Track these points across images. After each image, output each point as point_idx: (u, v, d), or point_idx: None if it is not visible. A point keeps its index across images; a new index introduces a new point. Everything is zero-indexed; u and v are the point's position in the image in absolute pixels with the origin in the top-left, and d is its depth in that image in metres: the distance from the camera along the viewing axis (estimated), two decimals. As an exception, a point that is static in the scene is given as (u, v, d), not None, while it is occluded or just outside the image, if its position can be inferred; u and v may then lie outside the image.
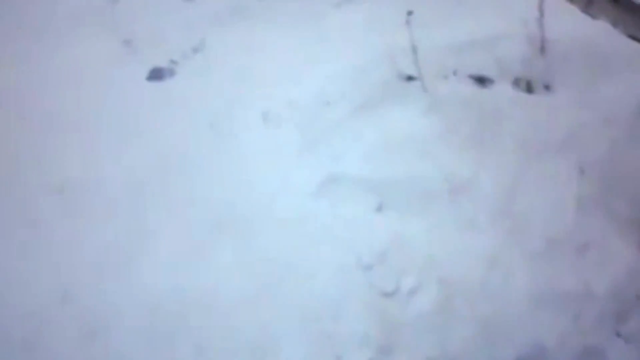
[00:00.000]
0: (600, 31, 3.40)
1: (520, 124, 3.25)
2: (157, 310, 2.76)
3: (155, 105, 3.61)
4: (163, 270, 2.82)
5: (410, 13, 3.33)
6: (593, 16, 3.34)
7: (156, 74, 3.83)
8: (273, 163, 3.23)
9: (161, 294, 2.74)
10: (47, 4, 4.59)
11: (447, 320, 2.65)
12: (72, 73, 3.84)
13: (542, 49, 3.61)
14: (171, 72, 3.86)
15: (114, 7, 4.42)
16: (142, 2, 4.45)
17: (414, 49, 3.41)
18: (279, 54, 3.86)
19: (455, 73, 3.61)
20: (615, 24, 3.13)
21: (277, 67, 3.74)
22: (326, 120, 3.42)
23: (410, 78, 3.63)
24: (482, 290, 2.76)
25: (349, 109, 3.47)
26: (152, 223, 2.98)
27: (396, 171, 3.11)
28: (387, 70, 3.65)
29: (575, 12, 3.50)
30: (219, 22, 4.15)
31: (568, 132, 3.18)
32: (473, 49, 3.61)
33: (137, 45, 4.09)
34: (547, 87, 3.61)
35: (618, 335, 2.80)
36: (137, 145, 3.37)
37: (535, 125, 3.22)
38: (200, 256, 2.82)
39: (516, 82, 3.57)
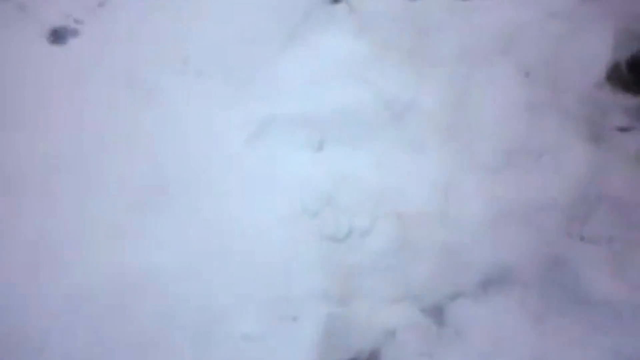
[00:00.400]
0: None
1: (458, 32, 2.89)
2: (93, 293, 2.42)
3: (60, 71, 3.06)
4: (94, 253, 2.38)
5: None
6: None
7: (58, 36, 3.25)
8: (202, 115, 2.82)
9: (94, 278, 2.30)
10: None
11: (407, 257, 2.35)
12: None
13: None
14: (74, 32, 3.28)
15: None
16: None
17: (334, -32, 2.92)
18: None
19: None
20: None
21: (193, 10, 3.20)
22: (252, 59, 2.96)
23: (336, 1, 3.15)
24: (440, 218, 2.46)
25: (275, 43, 3.04)
26: (72, 205, 2.50)
27: (334, 103, 2.72)
28: None
29: None
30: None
31: (509, 34, 2.86)
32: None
33: (32, 7, 3.47)
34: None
35: (582, 239, 2.58)
36: (46, 120, 2.86)
37: (473, 32, 2.86)
38: (134, 231, 2.40)
39: None
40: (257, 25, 3.27)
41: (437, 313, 2.35)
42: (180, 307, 2.37)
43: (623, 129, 2.89)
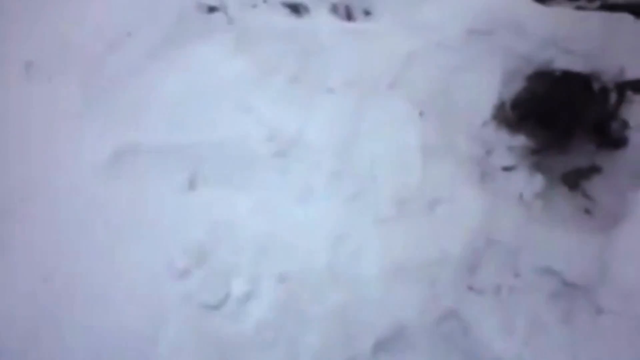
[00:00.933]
0: None
1: (346, 58, 2.42)
2: None
3: None
4: None
5: None
6: None
7: None
8: (46, 131, 2.06)
9: None
10: None
11: (294, 326, 1.86)
12: None
13: None
14: None
15: None
16: None
17: (212, -28, 2.31)
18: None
19: (265, 0, 2.58)
20: None
21: (38, 8, 2.42)
22: (113, 66, 2.28)
23: (212, 9, 2.57)
24: (330, 276, 1.99)
25: (141, 50, 2.39)
26: None
27: (209, 132, 2.13)
28: (185, 1, 2.54)
29: None
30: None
31: (399, 63, 2.45)
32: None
33: None
34: (367, 13, 2.90)
35: (470, 289, 2.33)
36: None
37: (362, 59, 2.42)
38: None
39: (334, 9, 2.73)
40: (122, 26, 2.57)
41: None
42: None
43: (507, 168, 2.62)
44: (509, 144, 2.65)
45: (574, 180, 2.65)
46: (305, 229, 2.02)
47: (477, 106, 2.53)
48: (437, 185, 2.23)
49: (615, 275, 2.09)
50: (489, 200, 2.34)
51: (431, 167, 2.26)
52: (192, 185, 2.02)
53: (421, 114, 2.35)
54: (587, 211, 2.51)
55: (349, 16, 2.84)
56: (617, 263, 2.09)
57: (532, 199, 2.45)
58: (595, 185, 2.58)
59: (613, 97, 2.62)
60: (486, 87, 2.56)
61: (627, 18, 2.30)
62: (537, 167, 2.61)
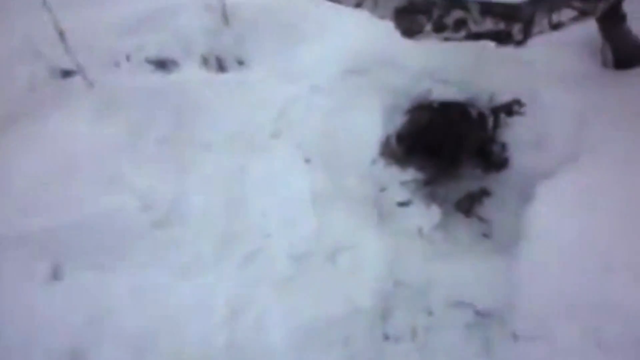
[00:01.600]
0: None
1: (223, 112, 2.24)
2: None
3: None
4: None
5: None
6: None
7: None
8: None
9: None
10: None
11: None
12: None
13: (225, 18, 2.57)
14: None
15: None
16: None
17: (62, 34, 2.28)
18: None
19: (128, 58, 2.53)
20: None
21: None
22: None
23: (68, 73, 2.27)
24: (233, 355, 1.69)
25: None
26: None
27: (72, 211, 1.79)
28: (34, 66, 2.21)
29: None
30: None
31: (279, 112, 2.29)
32: (145, 26, 2.50)
33: None
34: (240, 63, 2.76)
35: (386, 338, 2.21)
36: None
37: (240, 111, 2.25)
38: None
39: (204, 61, 2.55)
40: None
41: None
42: None
43: (403, 204, 2.53)
44: (401, 179, 2.60)
45: (468, 205, 2.62)
46: (196, 307, 1.74)
47: (364, 145, 2.43)
48: (335, 234, 2.05)
49: (524, 298, 1.99)
50: (390, 240, 2.20)
51: (326, 215, 2.07)
52: (56, 274, 1.67)
53: (307, 160, 2.16)
54: (486, 235, 2.50)
55: (221, 68, 2.69)
56: (523, 285, 2.00)
57: (431, 232, 2.36)
58: (488, 208, 2.59)
59: (490, 121, 2.62)
60: (369, 124, 2.50)
61: (489, 45, 2.29)
62: (431, 198, 2.52)
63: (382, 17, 2.24)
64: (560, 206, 2.13)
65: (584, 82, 2.72)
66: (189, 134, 2.20)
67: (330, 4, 2.34)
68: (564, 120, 2.58)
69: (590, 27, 2.72)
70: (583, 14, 2.45)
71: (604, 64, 2.90)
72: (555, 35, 2.46)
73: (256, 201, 2.08)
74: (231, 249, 1.97)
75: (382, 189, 2.46)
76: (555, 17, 2.32)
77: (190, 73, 2.46)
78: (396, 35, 2.30)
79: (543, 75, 2.66)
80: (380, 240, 2.17)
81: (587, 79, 2.76)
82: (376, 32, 2.41)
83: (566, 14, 2.43)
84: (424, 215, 2.37)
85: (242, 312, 1.86)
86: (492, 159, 2.71)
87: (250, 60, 2.66)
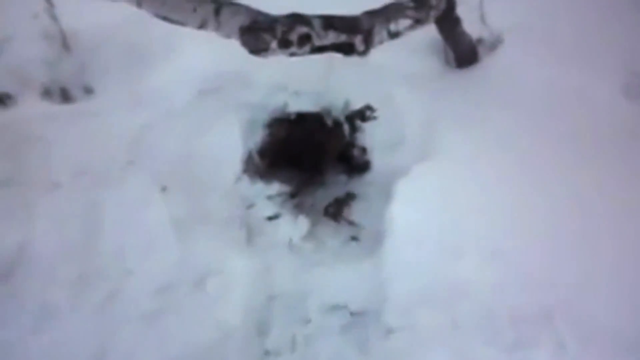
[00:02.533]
0: (130, 16, 2.52)
1: (70, 145, 2.10)
2: None
3: None
4: None
5: None
6: (111, -2, 2.26)
7: None
8: None
9: None
10: None
11: None
12: None
13: (66, 45, 2.42)
14: None
15: None
16: None
17: None
18: None
19: None
20: (138, 3, 2.13)
21: None
22: None
23: None
24: None
25: None
26: None
27: None
28: None
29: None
30: None
31: (132, 140, 2.21)
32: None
33: None
34: (88, 91, 2.66)
35: (267, 353, 2.22)
36: None
37: (89, 142, 2.18)
38: None
39: (46, 92, 2.34)
40: None
41: None
42: None
43: (271, 218, 2.54)
44: (267, 194, 2.60)
45: (336, 211, 2.66)
46: (52, 361, 1.59)
47: (226, 164, 2.40)
48: (200, 259, 1.99)
49: (392, 293, 2.07)
50: (260, 256, 2.20)
51: (189, 242, 2.01)
52: None
53: (164, 189, 2.09)
54: (354, 238, 2.56)
55: (66, 98, 2.49)
56: (390, 281, 2.09)
57: (301, 242, 2.37)
58: (355, 211, 2.65)
59: (346, 128, 2.69)
60: (229, 143, 2.47)
61: (337, 56, 2.39)
62: (299, 209, 2.53)
63: (227, 36, 2.22)
64: (416, 203, 2.25)
65: (430, 82, 2.90)
66: (32, 173, 2.05)
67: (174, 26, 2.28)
68: (416, 120, 2.72)
69: (433, 31, 2.89)
70: (418, 22, 2.60)
71: (447, 63, 3.12)
72: (402, 39, 2.55)
73: (112, 237, 1.97)
74: (88, 292, 1.86)
75: (249, 206, 2.45)
76: (393, 27, 2.44)
77: (30, 107, 2.28)
78: (245, 52, 2.28)
79: (393, 79, 2.79)
80: (250, 258, 2.15)
81: (433, 79, 2.96)
82: (228, 51, 2.39)
83: (403, 23, 2.55)
84: (292, 227, 2.38)
85: (108, 354, 1.74)
86: (354, 163, 2.79)
87: (98, 87, 2.53)
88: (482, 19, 3.22)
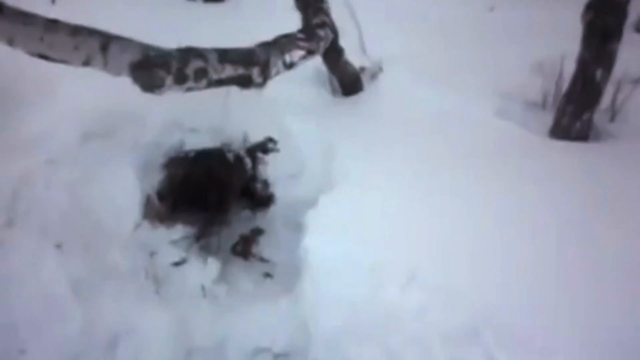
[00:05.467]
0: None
1: None
2: None
3: None
4: None
5: None
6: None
7: None
8: None
9: None
10: None
11: None
12: None
13: None
14: None
15: None
16: None
17: None
18: None
19: None
20: (10, 41, 1.82)
21: None
22: None
23: None
24: None
25: None
26: None
27: None
28: None
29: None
30: None
31: (11, 195, 1.94)
32: None
33: None
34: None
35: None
36: None
37: None
38: None
39: None
40: None
41: None
42: None
43: (178, 264, 2.31)
44: (171, 238, 2.39)
45: (244, 249, 2.52)
46: None
47: (122, 212, 2.16)
48: (108, 321, 1.70)
49: (316, 329, 1.94)
50: (172, 308, 1.96)
51: (93, 303, 1.73)
52: None
53: (58, 246, 1.77)
54: (268, 275, 2.45)
55: None
56: (313, 316, 1.97)
57: (214, 287, 2.14)
58: (264, 247, 2.54)
59: (248, 162, 2.59)
60: (124, 187, 2.23)
61: (234, 89, 2.32)
62: (206, 251, 2.31)
63: (116, 74, 1.99)
64: (329, 234, 2.19)
65: (322, 111, 2.91)
66: None
67: (53, 63, 1.97)
68: (314, 149, 2.68)
69: (316, 63, 2.92)
70: (310, 53, 2.56)
71: (334, 92, 3.18)
72: (289, 72, 2.53)
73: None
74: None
75: (152, 254, 2.18)
76: (288, 58, 2.38)
77: None
78: (137, 89, 2.03)
79: (286, 110, 2.75)
80: (161, 311, 1.91)
81: (324, 108, 2.97)
82: (115, 88, 2.15)
83: (296, 54, 2.54)
84: (202, 271, 2.18)
85: None
86: (257, 197, 2.66)
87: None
88: (363, 49, 3.33)
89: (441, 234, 2.11)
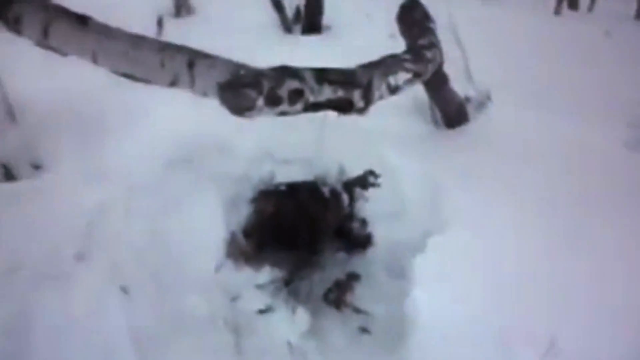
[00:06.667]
0: (86, 80, 2.02)
1: (9, 232, 1.48)
2: None
3: None
4: None
5: None
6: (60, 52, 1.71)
7: None
8: None
9: None
10: None
11: None
12: None
13: (11, 114, 2.09)
14: None
15: None
16: None
17: None
18: None
19: None
20: (94, 57, 1.50)
21: None
22: None
23: None
24: None
25: None
26: None
27: None
28: None
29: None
30: None
31: (85, 225, 1.77)
32: None
33: None
34: (36, 167, 2.06)
35: None
36: None
37: (30, 228, 1.76)
38: None
39: None
40: None
41: None
42: None
43: (263, 311, 1.99)
44: (256, 282, 2.03)
45: (338, 297, 2.08)
46: None
47: (204, 250, 1.93)
48: None
49: None
50: None
51: (157, 355, 1.24)
52: None
53: (124, 288, 1.37)
54: (364, 330, 2.00)
55: (9, 176, 2.02)
56: None
57: (302, 341, 1.88)
58: (360, 296, 2.08)
59: (345, 198, 2.19)
60: (208, 223, 1.98)
61: (330, 117, 1.98)
62: (295, 297, 2.01)
63: (204, 94, 1.67)
64: (441, 285, 1.77)
65: (423, 144, 2.48)
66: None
67: (139, 87, 1.65)
68: (416, 186, 2.25)
69: (416, 92, 2.52)
70: (417, 76, 2.21)
71: (435, 124, 2.71)
72: (386, 100, 2.11)
73: (51, 357, 1.21)
74: None
75: (234, 298, 1.81)
76: (392, 81, 1.95)
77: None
78: (226, 114, 1.66)
79: (385, 143, 2.34)
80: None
81: (425, 141, 2.53)
82: (202, 114, 1.94)
83: (402, 77, 2.14)
84: (289, 322, 1.83)
85: None
86: (354, 238, 2.23)
87: (49, 163, 1.93)
88: (469, 75, 2.87)
89: (583, 292, 1.68)
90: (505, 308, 1.56)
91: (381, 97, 1.99)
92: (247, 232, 2.05)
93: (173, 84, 1.71)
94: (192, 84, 1.70)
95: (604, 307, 1.60)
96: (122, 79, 1.75)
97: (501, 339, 1.49)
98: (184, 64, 1.68)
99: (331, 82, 1.82)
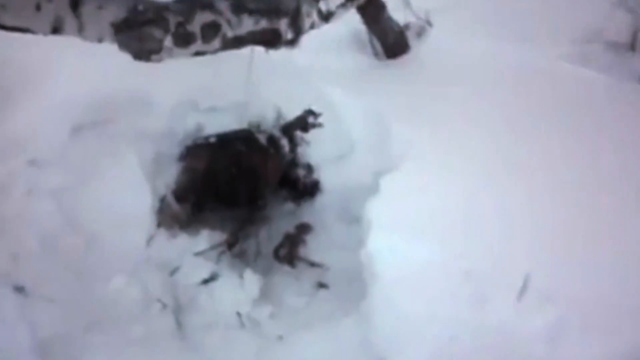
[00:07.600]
0: None
1: None
2: None
3: None
4: None
5: None
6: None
7: None
8: None
9: None
10: None
11: None
12: None
13: None
14: None
15: None
16: None
17: None
18: None
19: None
20: None
21: None
22: None
23: None
24: None
25: None
26: None
27: None
28: None
29: None
30: None
31: None
32: None
33: None
34: None
35: None
36: None
37: None
38: None
39: None
40: None
41: None
42: None
43: (207, 281, 1.74)
44: (195, 249, 1.76)
45: (289, 252, 1.85)
46: None
47: (128, 222, 1.66)
48: None
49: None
50: (199, 346, 1.31)
51: None
52: None
53: (19, 290, 1.04)
54: (322, 285, 1.79)
55: None
56: (390, 342, 1.44)
57: (253, 309, 1.66)
58: (314, 248, 1.86)
59: (285, 143, 1.92)
60: (129, 191, 1.69)
61: (259, 53, 1.68)
62: (241, 260, 1.80)
63: (99, 40, 1.44)
64: (399, 229, 1.56)
65: (365, 78, 2.23)
66: None
67: (39, 42, 1.23)
68: (361, 124, 2.02)
69: (354, 23, 2.29)
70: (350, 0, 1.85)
71: (376, 56, 2.47)
72: (323, 34, 1.85)
73: None
74: None
75: (175, 271, 1.68)
76: (324, 6, 1.70)
77: None
78: (135, 64, 1.46)
79: (323, 79, 2.07)
80: (187, 354, 1.15)
81: (366, 74, 2.28)
82: (113, 66, 1.59)
83: (334, 0, 1.81)
84: (238, 289, 1.66)
85: None
86: (300, 186, 1.99)
87: None
88: (406, 2, 2.59)
89: (554, 228, 1.49)
90: (471, 248, 1.34)
91: (313, 26, 1.68)
92: (179, 195, 1.78)
93: (56, 30, 1.32)
94: (80, 29, 1.31)
95: (574, 240, 1.47)
96: (15, 35, 1.34)
97: (471, 283, 1.24)
98: (66, 4, 1.29)
99: (251, 12, 1.50)
